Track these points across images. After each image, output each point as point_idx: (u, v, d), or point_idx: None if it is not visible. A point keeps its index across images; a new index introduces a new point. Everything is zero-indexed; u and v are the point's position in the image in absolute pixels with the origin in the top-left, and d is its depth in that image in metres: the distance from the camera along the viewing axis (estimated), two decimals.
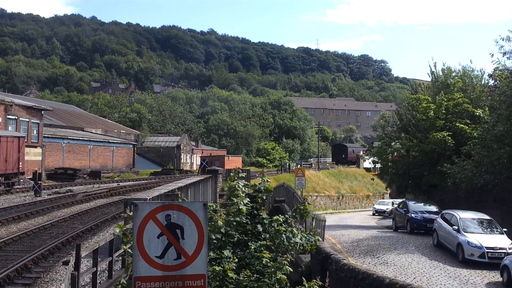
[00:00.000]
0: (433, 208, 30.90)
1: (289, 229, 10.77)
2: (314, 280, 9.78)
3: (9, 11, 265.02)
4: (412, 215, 30.25)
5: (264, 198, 11.84)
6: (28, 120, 52.45)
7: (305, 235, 11.11)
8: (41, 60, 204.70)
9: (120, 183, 53.58)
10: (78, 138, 66.60)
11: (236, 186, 10.85)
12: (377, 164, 45.62)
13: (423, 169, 37.58)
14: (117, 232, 11.82)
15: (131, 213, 14.14)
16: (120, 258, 15.73)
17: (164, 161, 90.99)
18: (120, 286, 10.26)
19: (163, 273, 5.77)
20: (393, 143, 40.94)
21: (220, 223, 10.11)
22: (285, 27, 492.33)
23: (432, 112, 36.07)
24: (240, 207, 10.53)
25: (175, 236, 5.87)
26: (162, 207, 5.91)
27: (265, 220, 10.89)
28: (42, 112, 56.62)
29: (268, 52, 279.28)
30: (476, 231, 22.28)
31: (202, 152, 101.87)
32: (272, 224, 10.70)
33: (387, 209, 49.21)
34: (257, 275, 9.64)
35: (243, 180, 11.36)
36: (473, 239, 21.34)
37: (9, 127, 48.90)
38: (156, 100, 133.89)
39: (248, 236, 10.74)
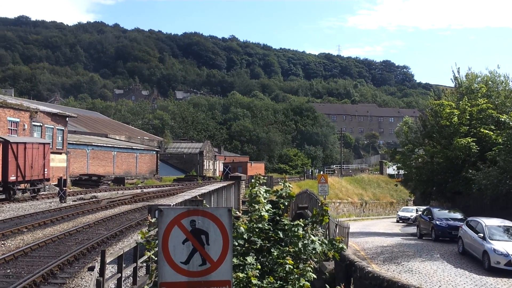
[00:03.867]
0: (458, 215, 30.58)
1: (307, 235, 10.69)
2: (338, 287, 9.72)
3: (33, 19, 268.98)
4: (437, 222, 29.97)
5: (287, 204, 11.79)
6: (53, 127, 53.07)
7: (326, 242, 11.01)
8: (65, 67, 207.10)
9: (144, 189, 53.92)
10: (102, 144, 67.19)
11: (257, 192, 10.81)
12: (400, 171, 45.27)
13: (447, 175, 37.20)
14: (140, 240, 11.89)
15: (153, 220, 14.23)
16: (145, 264, 15.81)
17: (187, 167, 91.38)
18: None
19: (188, 279, 5.77)
20: (416, 150, 40.60)
21: (242, 229, 10.09)
22: (305, 33, 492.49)
23: (456, 118, 35.72)
24: (262, 214, 10.48)
25: (200, 242, 5.87)
26: (187, 213, 5.92)
27: (286, 226, 10.83)
28: (67, 119, 57.26)
29: (290, 58, 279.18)
30: (502, 239, 21.98)
31: (225, 159, 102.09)
32: (293, 229, 10.62)
33: (411, 216, 48.80)
34: (281, 282, 9.61)
35: (264, 186, 11.31)
36: (499, 246, 21.03)
37: (35, 133, 49.53)
38: (178, 106, 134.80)
39: (270, 242, 10.70)
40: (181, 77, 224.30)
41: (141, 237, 11.48)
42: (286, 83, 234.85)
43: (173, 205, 16.84)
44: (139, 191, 51.58)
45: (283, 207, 11.52)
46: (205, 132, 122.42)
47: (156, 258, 13.65)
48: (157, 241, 11.10)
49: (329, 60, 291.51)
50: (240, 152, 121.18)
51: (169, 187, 57.32)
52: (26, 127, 48.01)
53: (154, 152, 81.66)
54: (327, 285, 10.48)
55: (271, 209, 10.82)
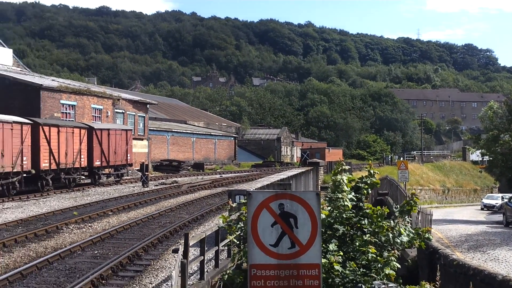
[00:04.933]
0: None
1: (396, 227, 10.40)
2: (423, 282, 9.50)
3: (113, 9, 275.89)
4: None
5: (370, 191, 11.54)
6: (134, 113, 54.54)
7: (413, 232, 10.67)
8: (144, 56, 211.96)
9: (223, 175, 54.61)
10: (181, 131, 68.53)
11: (341, 181, 10.54)
12: (485, 157, 43.81)
13: None
14: (221, 224, 12.00)
15: (234, 205, 14.35)
16: (226, 247, 15.98)
17: (265, 153, 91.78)
18: (226, 275, 10.41)
19: (278, 262, 5.77)
20: (502, 135, 39.11)
21: (323, 215, 9.95)
22: (383, 17, 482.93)
23: None
24: (346, 204, 10.23)
25: (289, 225, 5.86)
26: (275, 196, 5.92)
27: (369, 216, 10.50)
28: (147, 106, 58.69)
29: (367, 44, 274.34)
30: None
31: (302, 145, 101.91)
32: (378, 219, 10.31)
33: (497, 203, 47.11)
34: (364, 270, 9.45)
35: (348, 173, 11.08)
36: None
37: (117, 120, 51.07)
38: (255, 93, 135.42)
39: (353, 229, 10.48)
40: (258, 63, 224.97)
41: (222, 221, 11.60)
42: (363, 69, 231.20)
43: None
44: (218, 176, 52.28)
45: (366, 193, 11.30)
46: (282, 118, 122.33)
47: (237, 242, 13.77)
48: (238, 225, 11.20)
49: (408, 44, 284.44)
50: (317, 138, 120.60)
51: (247, 173, 57.76)
52: (109, 114, 49.56)
53: (232, 138, 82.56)
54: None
55: (354, 197, 10.59)
